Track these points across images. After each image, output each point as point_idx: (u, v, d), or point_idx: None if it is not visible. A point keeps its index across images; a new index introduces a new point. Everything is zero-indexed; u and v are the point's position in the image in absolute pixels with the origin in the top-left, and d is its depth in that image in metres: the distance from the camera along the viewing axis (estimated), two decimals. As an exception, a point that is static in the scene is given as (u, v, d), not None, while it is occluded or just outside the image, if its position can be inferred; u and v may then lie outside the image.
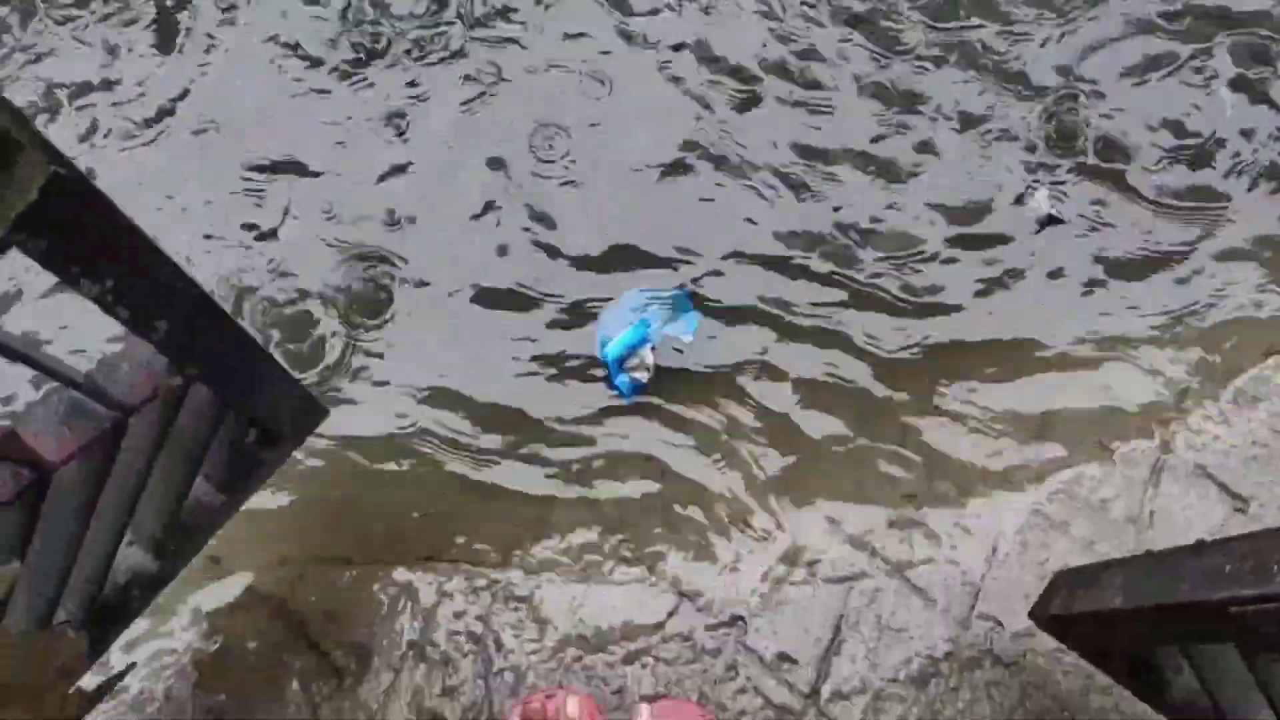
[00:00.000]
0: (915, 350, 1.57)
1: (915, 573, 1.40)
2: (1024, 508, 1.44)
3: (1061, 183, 1.68)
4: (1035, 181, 1.69)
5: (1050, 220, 1.65)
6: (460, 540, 1.45)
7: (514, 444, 1.52)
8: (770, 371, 1.56)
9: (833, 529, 1.43)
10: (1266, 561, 0.77)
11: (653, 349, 1.55)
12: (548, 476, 1.50)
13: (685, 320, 1.58)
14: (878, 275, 1.62)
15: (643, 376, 1.54)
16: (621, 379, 1.53)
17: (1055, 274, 1.62)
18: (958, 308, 1.60)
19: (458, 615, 1.39)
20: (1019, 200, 1.68)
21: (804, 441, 1.51)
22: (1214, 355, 1.54)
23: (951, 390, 1.54)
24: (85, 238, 0.69)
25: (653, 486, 1.48)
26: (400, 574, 1.42)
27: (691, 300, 1.60)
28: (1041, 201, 1.67)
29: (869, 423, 1.52)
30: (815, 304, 1.60)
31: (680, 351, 1.57)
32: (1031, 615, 1.21)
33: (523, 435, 1.53)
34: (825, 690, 1.33)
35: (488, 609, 1.39)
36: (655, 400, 1.55)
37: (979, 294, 1.61)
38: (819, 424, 1.53)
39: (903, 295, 1.61)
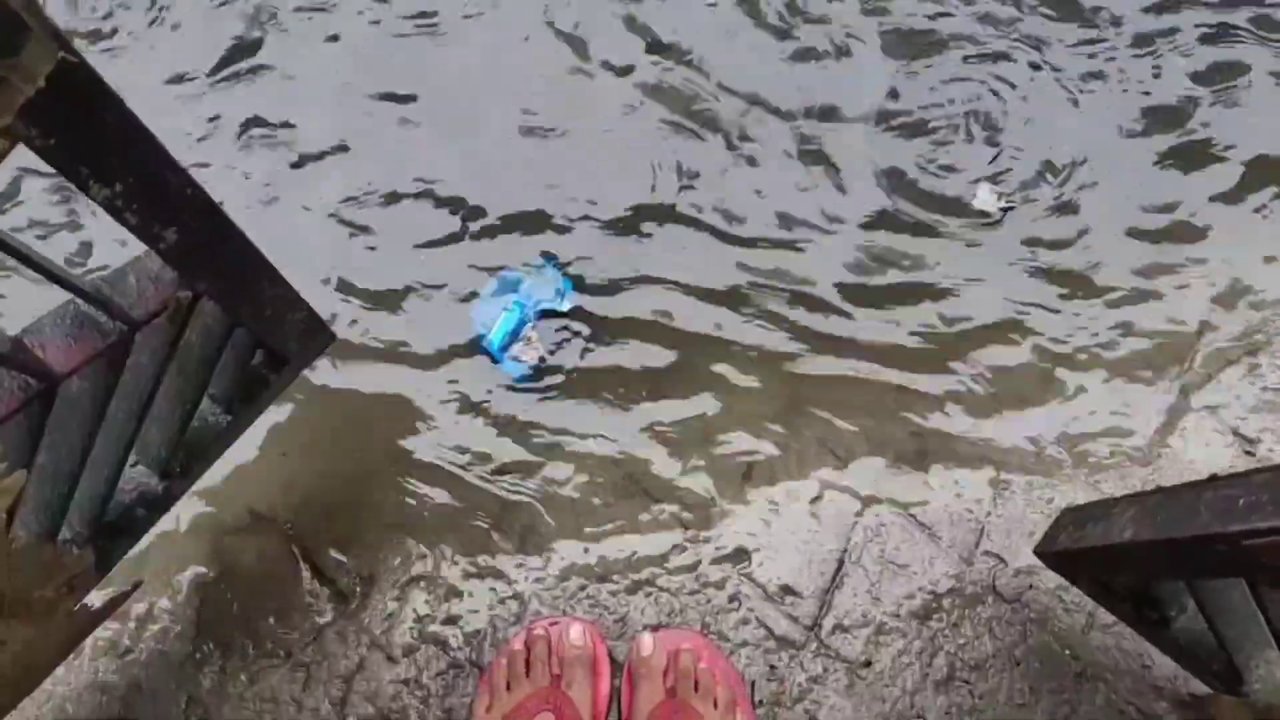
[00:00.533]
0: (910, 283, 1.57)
1: (920, 509, 1.40)
2: (1031, 447, 1.44)
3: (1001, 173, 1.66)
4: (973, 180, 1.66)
5: (1005, 210, 1.62)
6: (472, 462, 1.46)
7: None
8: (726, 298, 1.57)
9: (838, 464, 1.43)
10: (1285, 494, 0.77)
11: (534, 326, 1.52)
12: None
13: (558, 287, 1.54)
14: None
15: (533, 357, 1.50)
16: (512, 366, 1.50)
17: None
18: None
19: (463, 543, 1.40)
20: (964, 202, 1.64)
21: (791, 374, 1.51)
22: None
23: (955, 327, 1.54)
24: (94, 136, 0.67)
25: (646, 429, 1.48)
26: (406, 501, 1.42)
27: (558, 265, 1.57)
28: (986, 197, 1.64)
29: (866, 357, 1.52)
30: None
31: (563, 316, 1.54)
32: (1037, 552, 1.20)
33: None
34: (827, 623, 1.33)
35: (493, 537, 1.39)
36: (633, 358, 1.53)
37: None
38: (806, 358, 1.52)
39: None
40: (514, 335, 1.50)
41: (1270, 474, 0.83)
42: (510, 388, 1.50)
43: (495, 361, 1.50)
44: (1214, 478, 0.92)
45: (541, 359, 1.51)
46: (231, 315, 1.02)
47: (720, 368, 1.50)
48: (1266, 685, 1.02)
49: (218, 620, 1.35)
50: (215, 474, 1.39)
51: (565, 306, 1.53)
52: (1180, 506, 0.93)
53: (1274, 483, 0.80)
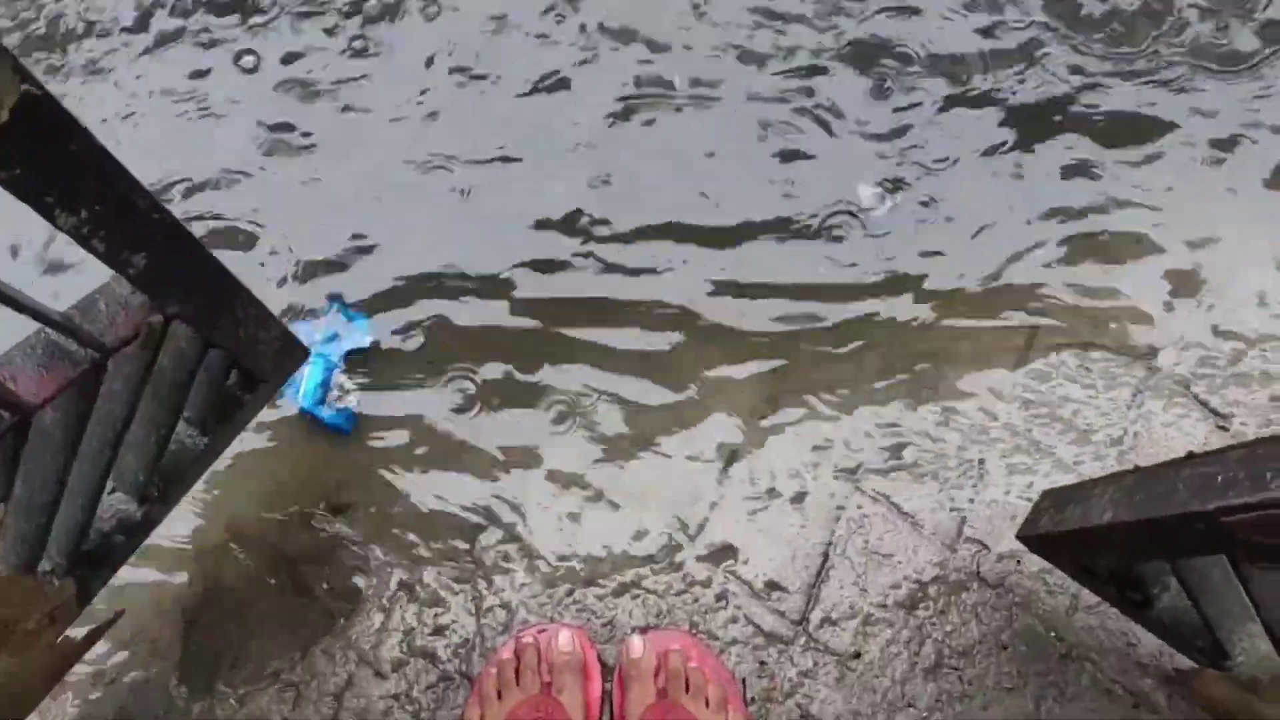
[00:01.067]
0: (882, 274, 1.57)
1: (902, 499, 1.41)
2: (1009, 432, 1.45)
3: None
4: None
5: (893, 202, 1.62)
6: (452, 472, 1.45)
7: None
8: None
9: (818, 458, 1.43)
10: (1261, 469, 0.78)
11: (342, 371, 1.48)
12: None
13: (354, 327, 1.51)
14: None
15: (352, 401, 1.47)
16: (333, 418, 1.45)
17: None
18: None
19: (447, 554, 1.39)
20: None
21: (769, 369, 1.51)
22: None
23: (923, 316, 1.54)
24: (58, 164, 0.67)
25: (624, 424, 1.48)
26: (389, 514, 1.41)
27: (344, 303, 1.54)
28: (868, 196, 1.63)
29: (837, 345, 1.53)
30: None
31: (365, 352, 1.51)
32: (1019, 536, 1.21)
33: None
34: (815, 617, 1.34)
35: (476, 545, 1.39)
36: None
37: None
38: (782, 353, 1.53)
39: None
40: (325, 387, 1.45)
41: (1246, 449, 0.84)
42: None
43: (317, 420, 1.45)
44: (1190, 455, 0.93)
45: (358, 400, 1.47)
46: (204, 337, 1.01)
47: (700, 360, 1.51)
48: (1250, 658, 1.03)
49: (204, 644, 1.34)
50: (195, 495, 1.38)
51: (368, 342, 1.49)
52: (1158, 486, 0.94)
53: (1250, 458, 0.81)
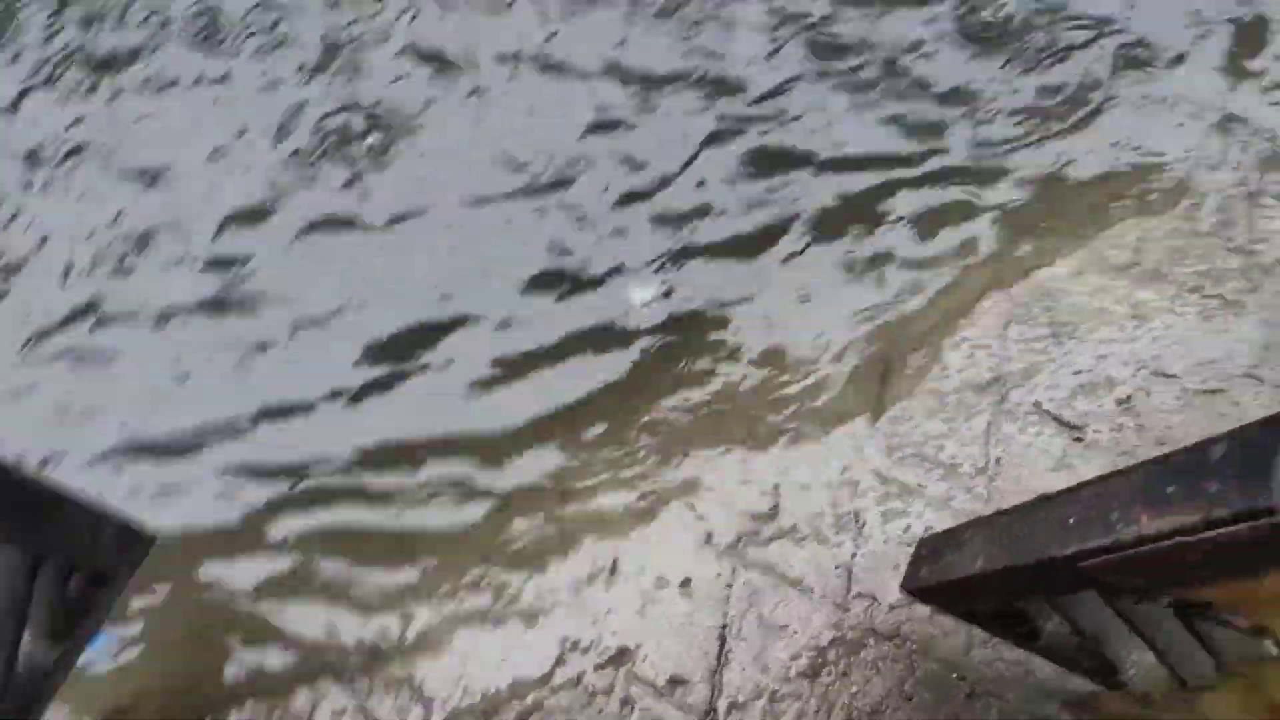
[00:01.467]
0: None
1: (787, 566, 1.40)
2: (878, 479, 1.46)
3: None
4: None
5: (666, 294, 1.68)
6: (331, 629, 1.39)
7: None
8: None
9: (696, 539, 1.42)
10: (1107, 511, 0.79)
11: None
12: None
13: None
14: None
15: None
16: (100, 640, 1.38)
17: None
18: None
19: (337, 701, 1.33)
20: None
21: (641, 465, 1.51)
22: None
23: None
24: None
25: (515, 542, 1.45)
26: (276, 687, 1.35)
27: None
28: (642, 294, 1.70)
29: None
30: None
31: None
32: (904, 589, 1.22)
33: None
34: (721, 706, 1.32)
35: (368, 701, 1.33)
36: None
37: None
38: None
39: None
40: None
41: (1096, 486, 0.86)
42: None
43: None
44: (1045, 497, 0.94)
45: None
46: (32, 552, 0.95)
47: (565, 465, 1.49)
48: (1140, 671, 1.05)
49: None
50: (71, 690, 1.30)
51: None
52: (1020, 529, 0.95)
53: (1097, 498, 0.83)
